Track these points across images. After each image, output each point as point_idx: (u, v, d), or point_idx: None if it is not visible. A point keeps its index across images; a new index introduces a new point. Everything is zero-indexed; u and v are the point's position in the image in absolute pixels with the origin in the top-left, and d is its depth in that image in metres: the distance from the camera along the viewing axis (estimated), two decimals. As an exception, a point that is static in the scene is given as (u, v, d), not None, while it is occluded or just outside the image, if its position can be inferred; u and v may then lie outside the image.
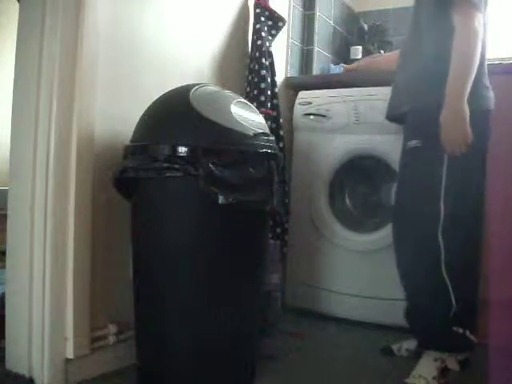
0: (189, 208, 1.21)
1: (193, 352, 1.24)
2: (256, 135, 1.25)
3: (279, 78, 2.16)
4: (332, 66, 2.38)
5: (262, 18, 2.02)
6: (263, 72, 1.95)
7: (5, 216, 1.34)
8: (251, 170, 1.19)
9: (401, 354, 1.65)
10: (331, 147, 2.06)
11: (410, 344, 1.63)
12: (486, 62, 1.45)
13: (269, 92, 1.96)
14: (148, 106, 1.31)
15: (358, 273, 1.99)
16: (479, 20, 1.35)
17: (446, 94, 1.34)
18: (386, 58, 2.12)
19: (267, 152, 1.26)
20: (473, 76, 1.34)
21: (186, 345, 1.24)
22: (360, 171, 2.11)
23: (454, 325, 1.40)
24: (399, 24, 2.61)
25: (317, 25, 2.45)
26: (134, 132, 1.30)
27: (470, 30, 1.34)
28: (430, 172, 1.42)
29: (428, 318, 1.45)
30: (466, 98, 1.33)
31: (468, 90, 1.33)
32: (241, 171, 1.18)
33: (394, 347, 1.67)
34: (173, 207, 1.22)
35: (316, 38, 2.46)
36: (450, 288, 1.39)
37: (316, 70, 2.46)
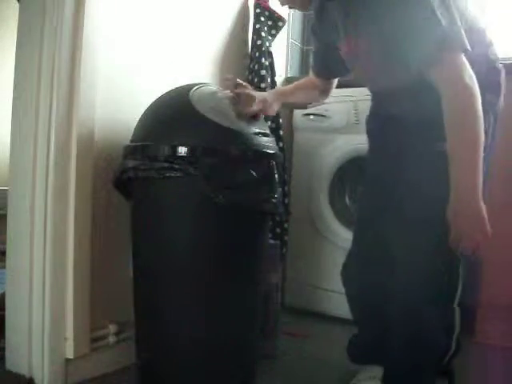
0: (189, 208, 1.21)
1: (193, 352, 1.24)
2: (256, 135, 1.25)
3: (279, 78, 2.16)
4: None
5: (262, 18, 2.02)
6: (263, 72, 1.96)
7: (5, 216, 1.34)
8: (251, 170, 1.19)
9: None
10: (331, 147, 2.06)
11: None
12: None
13: (269, 92, 1.96)
14: (148, 106, 1.31)
15: (358, 273, 1.99)
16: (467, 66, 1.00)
17: (452, 189, 1.01)
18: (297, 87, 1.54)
19: (267, 152, 1.25)
20: (481, 155, 0.99)
21: (185, 345, 1.24)
22: (360, 171, 2.10)
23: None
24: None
25: (317, 25, 2.45)
26: (134, 132, 1.30)
27: (461, 92, 0.99)
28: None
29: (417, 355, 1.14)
30: (480, 192, 1.00)
31: (481, 178, 0.99)
32: (241, 171, 1.18)
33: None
34: (173, 207, 1.22)
35: (316, 37, 2.46)
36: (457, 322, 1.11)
37: (316, 70, 2.45)
